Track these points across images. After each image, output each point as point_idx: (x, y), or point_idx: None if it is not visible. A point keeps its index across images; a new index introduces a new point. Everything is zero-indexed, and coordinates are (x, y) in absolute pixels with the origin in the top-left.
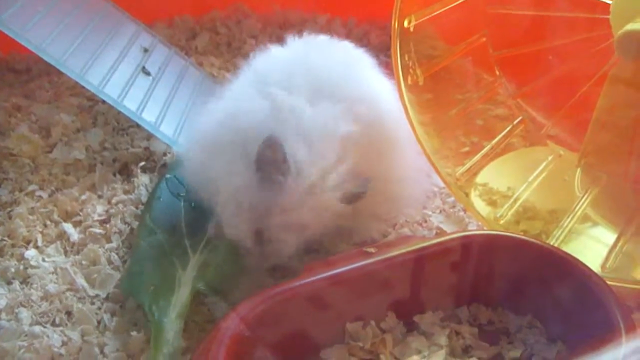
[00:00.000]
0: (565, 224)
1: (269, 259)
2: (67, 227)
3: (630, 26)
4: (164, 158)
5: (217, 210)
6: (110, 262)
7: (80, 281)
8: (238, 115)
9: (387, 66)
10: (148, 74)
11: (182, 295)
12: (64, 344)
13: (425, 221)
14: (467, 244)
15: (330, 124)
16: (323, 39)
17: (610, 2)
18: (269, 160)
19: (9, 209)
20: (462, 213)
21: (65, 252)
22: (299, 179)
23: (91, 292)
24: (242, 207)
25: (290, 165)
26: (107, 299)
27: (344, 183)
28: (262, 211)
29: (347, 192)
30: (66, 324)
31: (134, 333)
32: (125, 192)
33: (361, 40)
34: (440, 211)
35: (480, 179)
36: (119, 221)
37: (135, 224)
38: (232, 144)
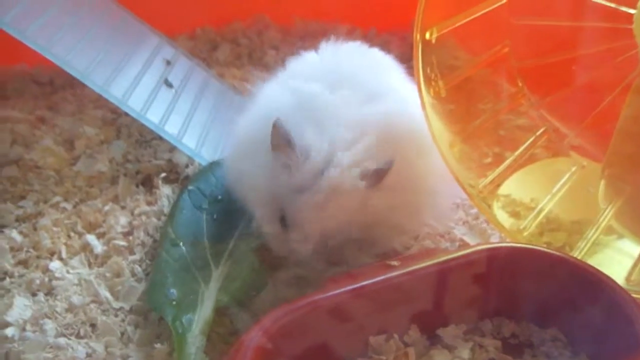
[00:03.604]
0: (589, 236)
1: (294, 249)
2: (91, 238)
3: None
4: (186, 170)
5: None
6: (133, 274)
7: (104, 293)
8: (266, 112)
9: (408, 75)
10: (170, 86)
11: (205, 310)
12: (88, 355)
13: (448, 233)
14: (490, 257)
15: (347, 106)
16: (354, 44)
17: (633, 11)
18: (278, 143)
19: (33, 221)
20: (485, 225)
21: (89, 264)
22: (307, 160)
23: (115, 304)
24: (263, 193)
25: (296, 146)
26: (130, 311)
27: (363, 161)
28: (282, 196)
29: (365, 170)
30: (90, 336)
31: (157, 345)
32: (148, 203)
33: (382, 51)
34: (463, 223)
35: (503, 190)
36: (142, 233)
37: (158, 236)
38: (262, 139)
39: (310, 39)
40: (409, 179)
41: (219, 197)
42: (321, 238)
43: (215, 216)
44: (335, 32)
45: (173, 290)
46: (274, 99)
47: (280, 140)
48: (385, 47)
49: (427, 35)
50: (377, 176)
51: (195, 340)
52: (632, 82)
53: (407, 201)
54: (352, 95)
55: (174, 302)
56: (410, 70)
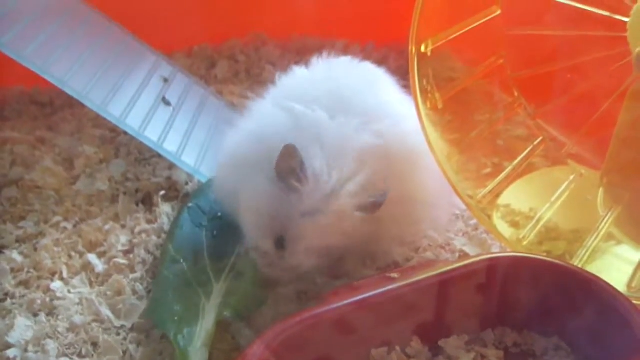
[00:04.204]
0: (589, 244)
1: (290, 270)
2: (92, 257)
3: None
4: (185, 187)
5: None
6: (135, 292)
7: (106, 312)
8: (261, 131)
9: (405, 90)
10: (169, 104)
11: (207, 324)
12: None
13: (449, 244)
14: (491, 267)
15: (349, 135)
16: (345, 59)
17: (627, 20)
18: (288, 168)
19: (34, 241)
20: (485, 235)
21: (91, 283)
22: (317, 185)
23: (117, 323)
24: (263, 215)
25: (308, 172)
26: (132, 329)
27: (362, 192)
28: (283, 218)
29: (364, 202)
30: (92, 355)
31: None
32: (148, 221)
33: (380, 65)
34: (463, 234)
35: (502, 200)
36: (142, 251)
37: (159, 254)
38: (256, 158)
39: (308, 54)
40: (407, 192)
41: (219, 214)
42: (318, 257)
43: (215, 233)
44: (333, 47)
45: (175, 306)
46: (268, 119)
47: (292, 164)
48: (384, 61)
49: (423, 48)
50: (373, 207)
51: (197, 353)
52: (628, 89)
53: (406, 213)
54: (350, 122)
55: (176, 318)
56: (408, 83)
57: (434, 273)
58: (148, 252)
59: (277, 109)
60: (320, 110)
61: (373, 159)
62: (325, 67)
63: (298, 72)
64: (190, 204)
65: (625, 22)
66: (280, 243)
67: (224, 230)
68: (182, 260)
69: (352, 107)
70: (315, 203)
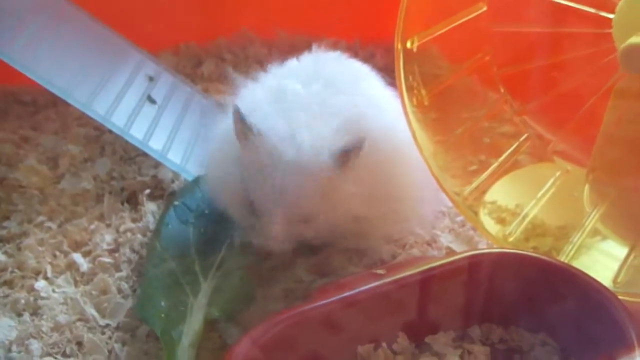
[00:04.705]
0: (575, 240)
1: (266, 237)
2: (77, 257)
3: (633, 39)
4: (171, 186)
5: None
6: (120, 291)
7: (91, 311)
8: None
9: (392, 87)
10: (154, 102)
11: (194, 323)
12: None
13: (435, 241)
14: (476, 263)
15: (317, 97)
16: (333, 54)
17: (612, 16)
18: (240, 129)
19: (18, 241)
20: (471, 232)
21: (75, 283)
22: (266, 139)
23: (102, 322)
24: (235, 187)
25: (253, 127)
26: (117, 328)
27: (327, 141)
28: (247, 180)
29: (335, 149)
30: (77, 355)
31: None
32: (133, 220)
33: (367, 62)
34: (450, 231)
35: (488, 197)
36: (127, 250)
37: (144, 252)
38: (235, 140)
39: (295, 52)
40: (393, 189)
41: (206, 211)
42: (291, 224)
43: (202, 230)
44: (320, 46)
45: (162, 303)
46: (248, 97)
47: (240, 124)
48: (370, 58)
49: (409, 44)
50: (345, 156)
51: (184, 353)
52: (613, 87)
53: (392, 210)
54: (323, 91)
55: (163, 315)
56: (394, 80)
57: (420, 270)
58: (133, 250)
59: (257, 88)
60: (297, 83)
61: (344, 114)
62: (314, 58)
63: (289, 63)
64: (176, 202)
65: (610, 19)
66: (251, 207)
67: (211, 227)
68: (169, 259)
69: (331, 84)
70: (266, 160)
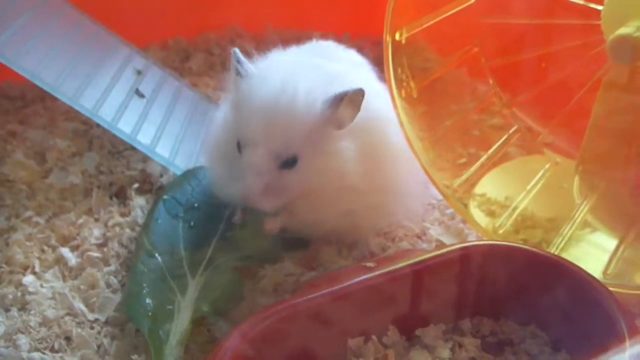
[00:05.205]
0: (565, 232)
1: (248, 179)
2: (65, 251)
3: (621, 30)
4: (160, 180)
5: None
6: (109, 286)
7: (79, 305)
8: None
9: (381, 80)
10: (142, 96)
11: (181, 321)
12: None
13: (425, 234)
14: (466, 255)
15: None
16: (329, 43)
17: (601, 8)
18: (234, 69)
19: (5, 236)
20: (461, 225)
21: (64, 277)
22: (259, 78)
23: (90, 317)
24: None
25: (248, 67)
26: (106, 323)
27: (324, 88)
28: (237, 121)
29: (329, 95)
30: (65, 350)
31: (134, 357)
32: (122, 214)
33: None
34: (439, 223)
35: (478, 189)
36: (116, 244)
37: (133, 247)
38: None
39: (283, 46)
40: (382, 182)
41: (195, 204)
42: (273, 171)
43: (192, 224)
44: (309, 39)
45: (149, 301)
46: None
47: (235, 63)
48: (359, 51)
49: (397, 36)
50: (337, 101)
51: (172, 351)
52: (602, 78)
53: (381, 203)
54: (323, 63)
55: (150, 313)
56: (383, 73)
57: (410, 262)
58: (122, 245)
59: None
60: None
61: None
62: (312, 45)
63: (288, 50)
64: (165, 196)
65: (599, 10)
66: (239, 147)
67: (201, 221)
68: (157, 254)
69: (333, 71)
70: (264, 97)
